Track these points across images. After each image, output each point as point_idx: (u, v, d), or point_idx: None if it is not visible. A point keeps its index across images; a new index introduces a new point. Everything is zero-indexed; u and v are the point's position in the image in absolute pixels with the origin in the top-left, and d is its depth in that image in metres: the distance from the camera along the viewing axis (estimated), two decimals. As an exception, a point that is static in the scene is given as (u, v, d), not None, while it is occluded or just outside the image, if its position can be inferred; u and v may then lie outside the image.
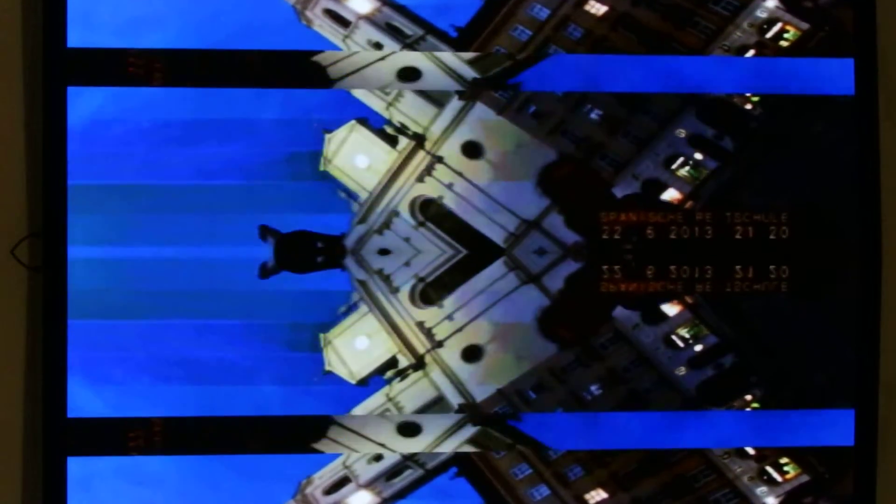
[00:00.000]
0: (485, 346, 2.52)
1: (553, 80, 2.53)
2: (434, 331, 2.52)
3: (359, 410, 2.50)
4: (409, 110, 2.50)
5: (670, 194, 2.55)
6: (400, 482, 2.52)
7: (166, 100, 2.44)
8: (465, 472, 2.53)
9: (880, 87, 2.56)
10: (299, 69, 2.48)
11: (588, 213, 2.53)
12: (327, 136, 2.48)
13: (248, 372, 2.46)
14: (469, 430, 2.54)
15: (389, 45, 2.50)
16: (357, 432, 2.51)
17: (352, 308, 2.49)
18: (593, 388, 2.54)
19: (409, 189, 2.50)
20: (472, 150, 2.51)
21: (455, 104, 2.51)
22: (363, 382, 2.50)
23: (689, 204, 2.55)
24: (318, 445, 2.51)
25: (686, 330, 2.55)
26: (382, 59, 2.51)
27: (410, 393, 2.51)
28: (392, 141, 2.50)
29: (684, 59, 2.55)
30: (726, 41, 2.56)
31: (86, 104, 2.41)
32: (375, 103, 2.49)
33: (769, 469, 2.58)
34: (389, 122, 2.50)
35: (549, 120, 2.52)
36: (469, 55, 2.52)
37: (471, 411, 2.52)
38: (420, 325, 2.51)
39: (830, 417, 2.56)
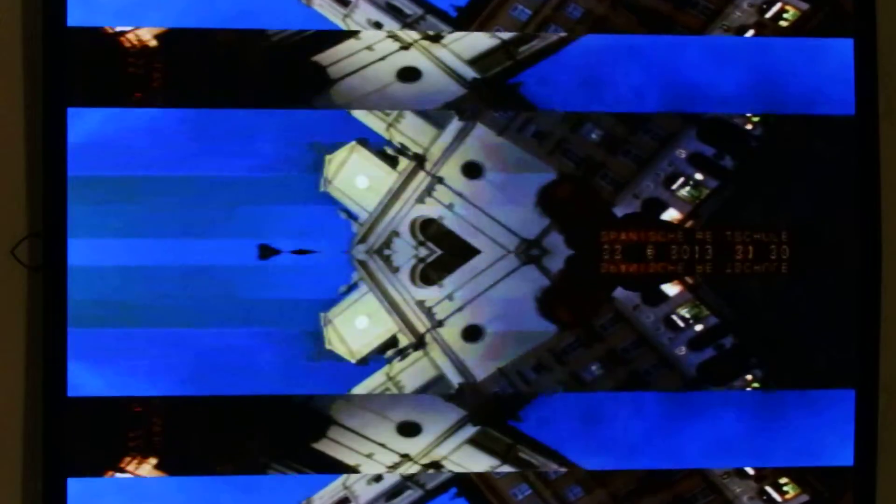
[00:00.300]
0: (485, 326, 2.52)
1: (553, 80, 2.53)
2: (434, 310, 2.52)
3: (359, 389, 2.50)
4: (410, 131, 2.50)
5: (671, 214, 2.55)
6: (400, 503, 2.52)
7: (164, 120, 2.44)
8: (464, 493, 2.53)
9: (880, 87, 2.56)
10: (299, 70, 2.48)
11: (589, 233, 2.53)
12: (327, 157, 2.48)
13: (247, 351, 2.45)
14: (469, 430, 2.54)
15: (389, 24, 2.50)
16: (357, 432, 2.51)
17: (352, 288, 2.49)
18: (593, 368, 2.54)
19: (409, 209, 2.50)
20: (472, 170, 2.51)
21: (455, 125, 2.51)
22: (363, 361, 2.50)
23: (689, 223, 2.55)
24: (318, 445, 2.51)
25: (686, 310, 2.55)
26: (382, 59, 2.51)
27: (411, 372, 2.51)
28: (392, 162, 2.50)
29: (683, 58, 2.55)
30: (726, 21, 2.55)
31: (84, 124, 2.41)
32: (375, 124, 2.49)
33: (769, 489, 2.58)
34: (389, 143, 2.50)
35: (550, 140, 2.52)
36: (469, 55, 2.52)
37: (471, 391, 2.52)
38: (420, 304, 2.51)
39: (830, 426, 2.57)
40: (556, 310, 2.52)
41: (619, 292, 2.54)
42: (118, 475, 2.46)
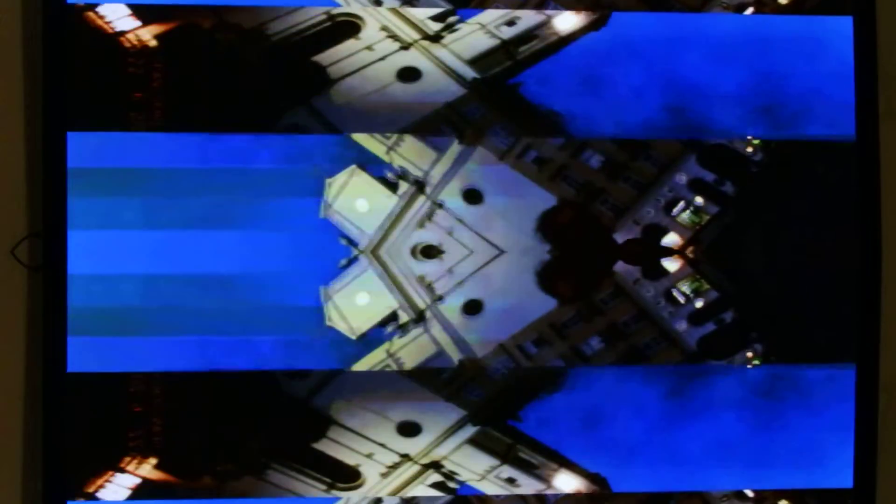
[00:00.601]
0: (485, 301, 2.52)
1: (553, 80, 2.53)
2: (434, 285, 2.52)
3: (359, 366, 2.50)
4: (410, 155, 2.50)
5: (671, 239, 2.56)
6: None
7: (166, 145, 2.44)
8: (464, 516, 2.54)
9: (880, 87, 2.56)
10: (299, 70, 2.49)
11: (589, 258, 2.53)
12: (327, 181, 2.48)
13: (247, 325, 2.46)
14: (469, 430, 2.54)
15: (389, 1, 2.50)
16: (357, 432, 2.51)
17: (352, 262, 2.49)
18: (594, 342, 2.55)
19: (409, 234, 2.50)
20: (472, 195, 2.51)
21: (455, 149, 2.51)
22: (363, 337, 2.50)
23: (689, 249, 2.55)
24: (318, 445, 2.51)
25: (687, 285, 2.56)
26: (382, 59, 2.51)
27: (411, 348, 2.52)
28: (392, 186, 2.50)
29: (683, 58, 2.55)
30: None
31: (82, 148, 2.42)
32: (376, 148, 2.50)
33: (768, 512, 2.59)
34: (390, 168, 2.50)
35: (550, 165, 2.53)
36: (469, 55, 2.52)
37: (471, 366, 2.52)
38: (420, 279, 2.52)
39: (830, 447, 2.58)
40: (556, 284, 2.52)
41: (620, 266, 2.55)
42: (118, 475, 2.46)
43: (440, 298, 2.52)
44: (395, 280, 2.51)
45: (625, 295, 2.55)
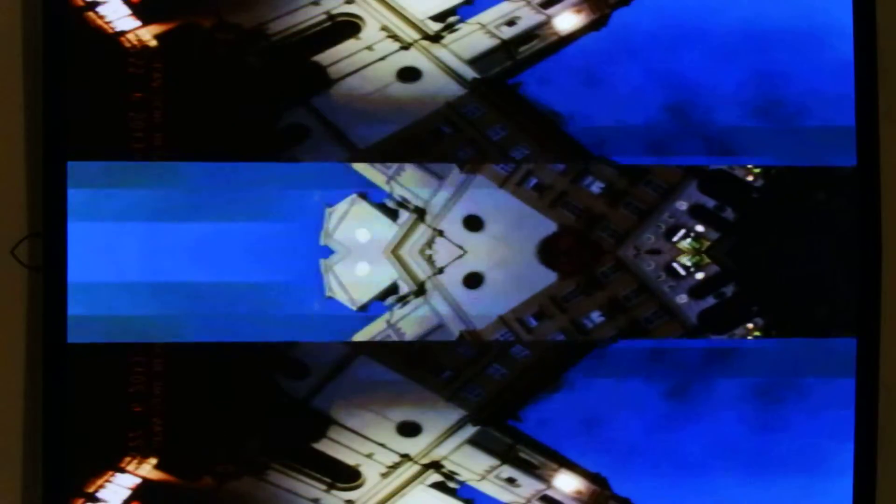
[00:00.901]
0: (486, 273, 2.52)
1: (553, 80, 2.53)
2: (435, 257, 2.52)
3: (359, 336, 2.50)
4: (410, 184, 2.50)
5: None
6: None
7: (166, 174, 2.45)
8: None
9: (880, 88, 2.56)
10: (299, 70, 2.49)
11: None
12: (328, 210, 2.48)
13: (248, 297, 2.46)
14: (469, 430, 2.54)
15: None
16: (357, 432, 2.51)
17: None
18: (594, 315, 2.55)
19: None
20: (473, 223, 2.52)
21: (456, 177, 2.51)
22: (363, 308, 2.50)
23: None
24: (318, 446, 2.51)
25: (688, 258, 2.56)
26: (382, 59, 2.52)
27: (411, 320, 2.52)
28: (393, 215, 2.51)
29: (683, 58, 2.55)
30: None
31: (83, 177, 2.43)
32: (376, 177, 2.50)
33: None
34: (390, 196, 2.50)
35: (550, 192, 2.53)
36: (469, 55, 2.52)
37: (471, 338, 2.52)
38: (422, 251, 2.52)
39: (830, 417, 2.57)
40: (557, 257, 2.53)
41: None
42: (118, 475, 2.46)
43: (440, 271, 2.52)
44: (395, 252, 2.51)
45: (625, 269, 2.55)
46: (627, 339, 2.54)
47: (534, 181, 2.53)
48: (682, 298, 2.56)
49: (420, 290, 2.52)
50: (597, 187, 2.54)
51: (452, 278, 2.52)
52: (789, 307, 2.56)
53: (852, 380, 2.55)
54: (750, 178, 2.56)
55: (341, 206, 2.50)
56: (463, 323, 2.53)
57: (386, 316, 2.51)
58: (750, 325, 2.56)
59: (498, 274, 2.52)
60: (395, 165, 2.50)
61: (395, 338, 2.51)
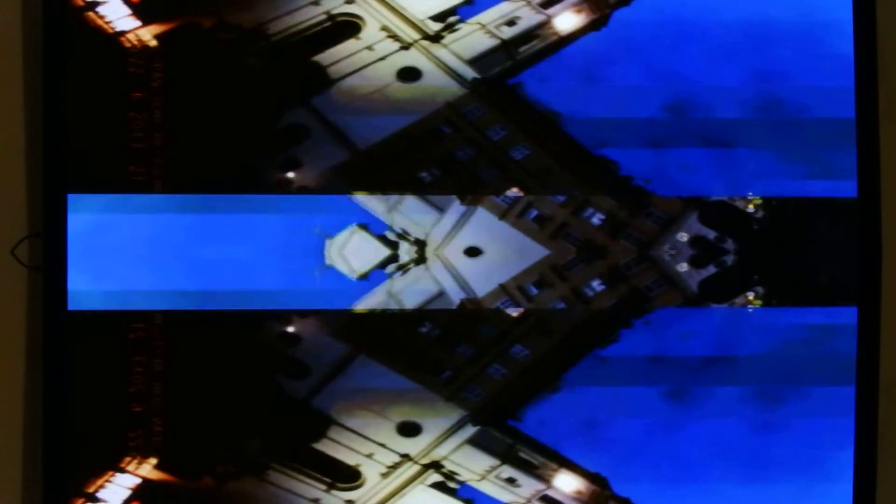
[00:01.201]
0: (486, 247, 2.52)
1: (553, 80, 2.53)
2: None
3: (360, 305, 2.50)
4: (411, 215, 2.51)
5: None
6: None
7: (167, 203, 2.46)
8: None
9: (880, 86, 2.56)
10: (299, 70, 2.49)
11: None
12: (328, 240, 2.48)
13: (248, 267, 2.46)
14: (469, 430, 2.54)
15: None
16: (357, 432, 2.51)
17: None
18: (595, 283, 2.54)
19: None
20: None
21: (456, 209, 2.51)
22: (364, 277, 2.50)
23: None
24: (318, 446, 2.51)
25: None
26: (382, 59, 2.52)
27: (412, 289, 2.52)
28: (393, 246, 2.51)
29: (683, 58, 2.55)
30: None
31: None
32: (377, 208, 2.50)
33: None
34: (391, 228, 2.50)
35: (551, 224, 2.53)
36: (469, 55, 2.53)
37: (472, 306, 2.52)
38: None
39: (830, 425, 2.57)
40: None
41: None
42: (118, 475, 2.46)
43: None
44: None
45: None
46: (627, 340, 2.54)
47: (534, 213, 2.53)
48: (683, 267, 2.56)
49: (421, 258, 2.52)
50: (597, 219, 2.54)
51: (453, 247, 2.52)
52: (790, 275, 2.55)
53: (852, 386, 2.55)
54: (751, 209, 2.56)
55: (341, 237, 2.50)
56: (464, 291, 2.53)
57: (387, 285, 2.51)
58: (750, 295, 2.56)
59: (498, 244, 2.52)
60: (395, 196, 2.50)
61: (395, 307, 2.51)
